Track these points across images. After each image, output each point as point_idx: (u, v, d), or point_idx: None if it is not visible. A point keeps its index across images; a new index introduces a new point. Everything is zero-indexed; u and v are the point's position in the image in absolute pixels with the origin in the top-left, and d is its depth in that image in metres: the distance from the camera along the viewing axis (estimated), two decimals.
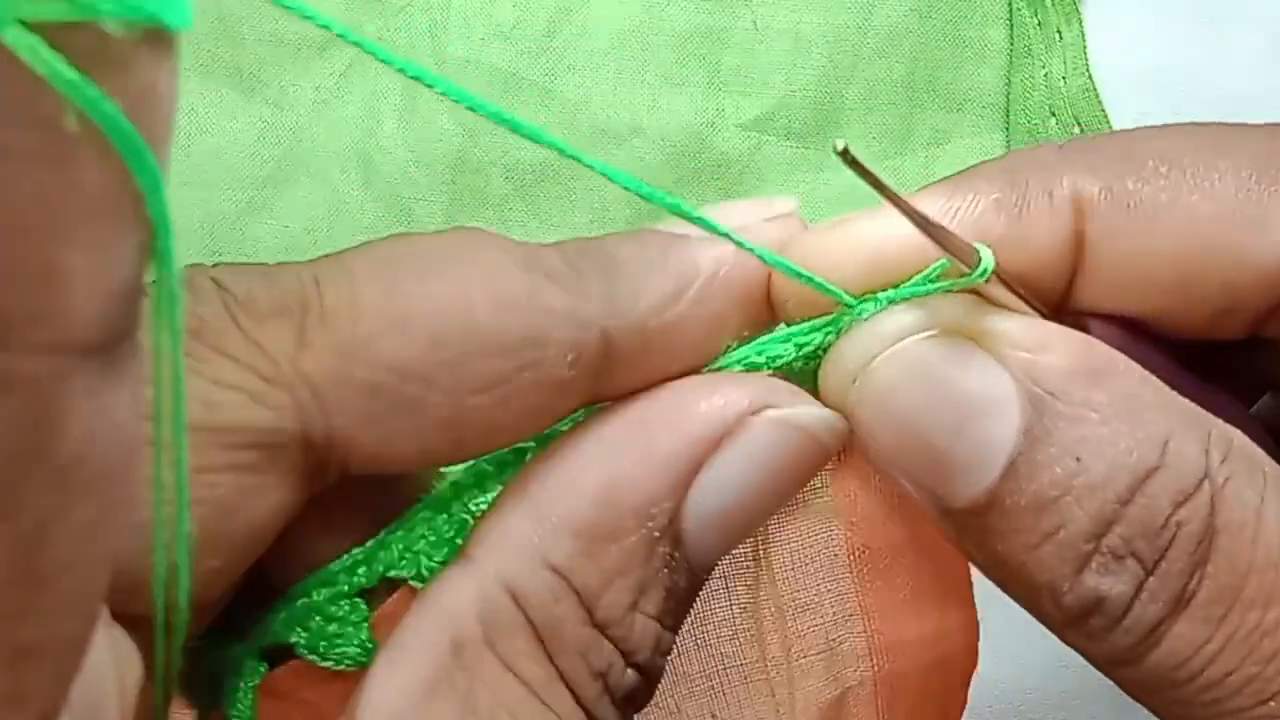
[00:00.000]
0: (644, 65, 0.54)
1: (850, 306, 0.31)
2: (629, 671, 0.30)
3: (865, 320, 0.31)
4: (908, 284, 0.31)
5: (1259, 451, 0.29)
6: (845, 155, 0.28)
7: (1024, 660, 0.55)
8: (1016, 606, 0.31)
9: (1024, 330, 0.30)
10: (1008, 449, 0.28)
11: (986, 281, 0.30)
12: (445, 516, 0.33)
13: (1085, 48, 0.55)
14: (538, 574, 0.29)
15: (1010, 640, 0.54)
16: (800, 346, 0.32)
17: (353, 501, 0.33)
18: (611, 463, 0.30)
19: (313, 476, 0.31)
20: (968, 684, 0.36)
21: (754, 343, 0.32)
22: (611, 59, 0.53)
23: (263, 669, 0.34)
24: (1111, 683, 0.30)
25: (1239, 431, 0.29)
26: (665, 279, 0.32)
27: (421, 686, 0.28)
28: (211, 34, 0.52)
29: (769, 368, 0.32)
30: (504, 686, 0.28)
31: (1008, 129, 0.56)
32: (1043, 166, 0.31)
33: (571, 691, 0.29)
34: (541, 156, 0.53)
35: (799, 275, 0.31)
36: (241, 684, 0.34)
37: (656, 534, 0.30)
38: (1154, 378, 0.30)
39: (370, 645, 0.33)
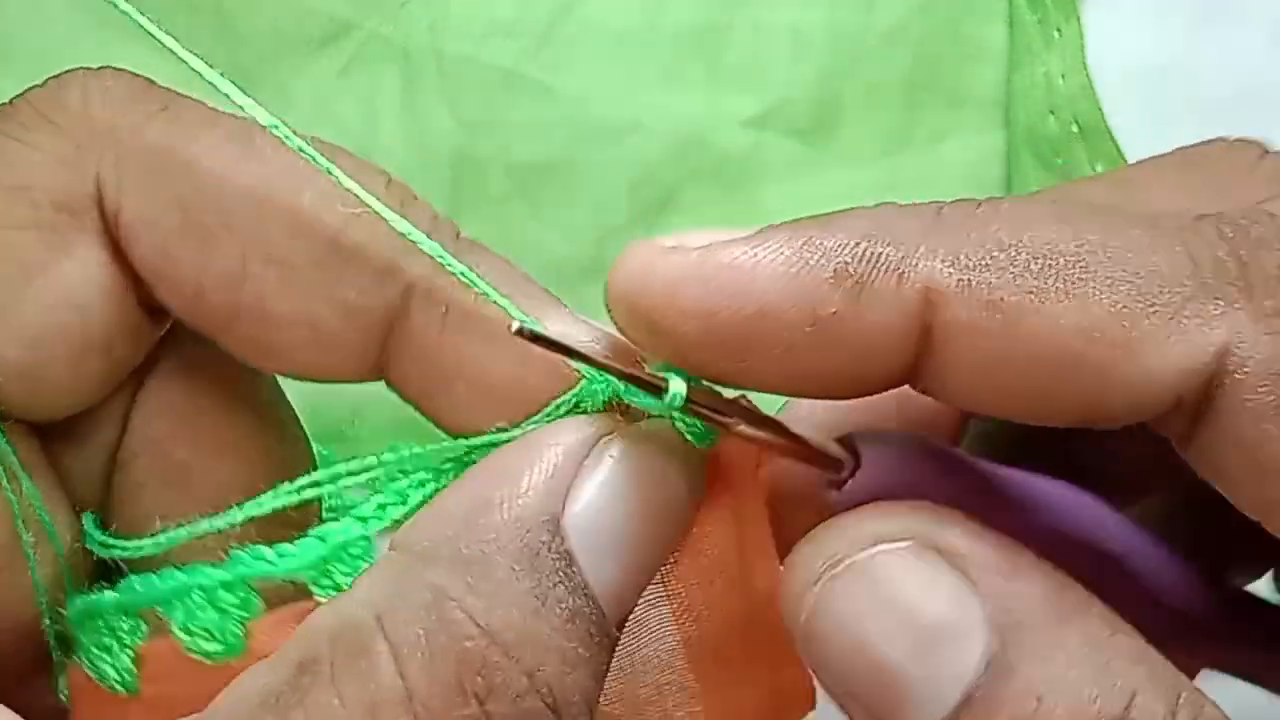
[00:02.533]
0: (644, 62, 0.54)
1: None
2: (531, 697, 0.27)
3: (834, 521, 0.29)
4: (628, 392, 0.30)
5: None
6: (522, 333, 0.27)
7: None
8: None
9: (998, 554, 0.27)
10: (968, 679, 0.26)
11: (680, 409, 0.28)
12: (225, 580, 0.31)
13: (1084, 46, 0.55)
14: (414, 591, 0.27)
15: None
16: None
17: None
18: (474, 491, 0.29)
19: (126, 268, 0.32)
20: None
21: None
22: (612, 56, 0.53)
23: (142, 631, 0.32)
24: None
25: (1211, 700, 0.27)
26: (526, 302, 0.32)
27: (254, 701, 0.26)
28: (211, 32, 0.52)
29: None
30: (326, 710, 0.26)
31: (1008, 127, 0.56)
32: (902, 240, 0.28)
33: (432, 714, 0.26)
34: (541, 155, 0.53)
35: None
36: (115, 643, 0.32)
37: (539, 547, 0.28)
38: (1130, 627, 0.27)
39: (129, 676, 0.31)
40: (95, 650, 0.32)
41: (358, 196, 0.31)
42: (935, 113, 0.55)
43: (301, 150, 0.30)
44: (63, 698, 0.33)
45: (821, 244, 0.28)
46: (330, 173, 0.30)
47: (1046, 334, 0.27)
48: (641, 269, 0.29)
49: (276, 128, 0.30)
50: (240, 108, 0.30)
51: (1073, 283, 0.27)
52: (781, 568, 0.30)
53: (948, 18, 0.55)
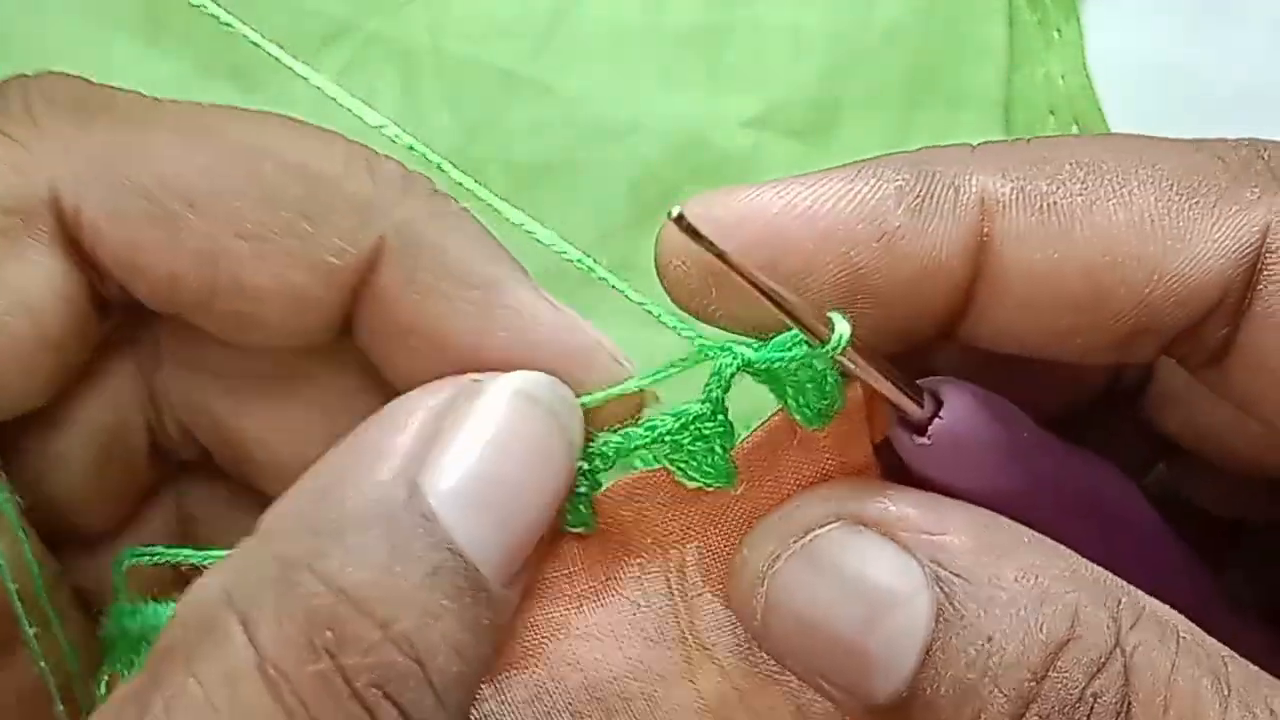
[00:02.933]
0: (644, 62, 0.54)
1: (702, 354, 0.30)
2: (387, 647, 0.27)
3: (764, 521, 0.30)
4: (764, 350, 0.30)
5: (1172, 615, 0.28)
6: (681, 222, 0.26)
7: None
8: None
9: (922, 512, 0.29)
10: (921, 637, 0.27)
11: (841, 353, 0.28)
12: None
13: (1084, 46, 0.55)
14: (261, 565, 0.27)
15: None
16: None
17: None
18: (328, 465, 0.29)
19: (90, 267, 0.32)
20: None
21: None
22: (612, 56, 0.53)
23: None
24: None
25: (1151, 598, 0.28)
26: (470, 262, 0.33)
27: (119, 699, 0.27)
28: (211, 33, 0.52)
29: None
30: (183, 689, 0.26)
31: (1007, 127, 0.56)
32: (954, 160, 0.30)
33: (284, 674, 0.26)
34: (541, 154, 0.53)
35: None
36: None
37: (396, 508, 0.28)
38: (1061, 547, 0.28)
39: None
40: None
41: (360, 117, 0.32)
42: (935, 113, 0.55)
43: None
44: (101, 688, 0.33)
45: (879, 170, 0.30)
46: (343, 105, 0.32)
47: (1100, 233, 0.29)
48: (705, 208, 0.29)
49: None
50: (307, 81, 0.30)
51: (1117, 186, 0.29)
52: (731, 578, 0.31)
53: (948, 18, 0.55)
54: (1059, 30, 0.55)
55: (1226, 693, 0.27)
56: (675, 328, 0.31)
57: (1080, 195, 0.29)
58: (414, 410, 0.29)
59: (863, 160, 0.30)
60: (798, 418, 0.30)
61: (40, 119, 0.32)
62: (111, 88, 0.33)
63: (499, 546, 0.29)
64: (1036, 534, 0.29)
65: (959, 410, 0.30)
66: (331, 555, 0.27)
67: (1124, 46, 0.55)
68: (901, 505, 0.29)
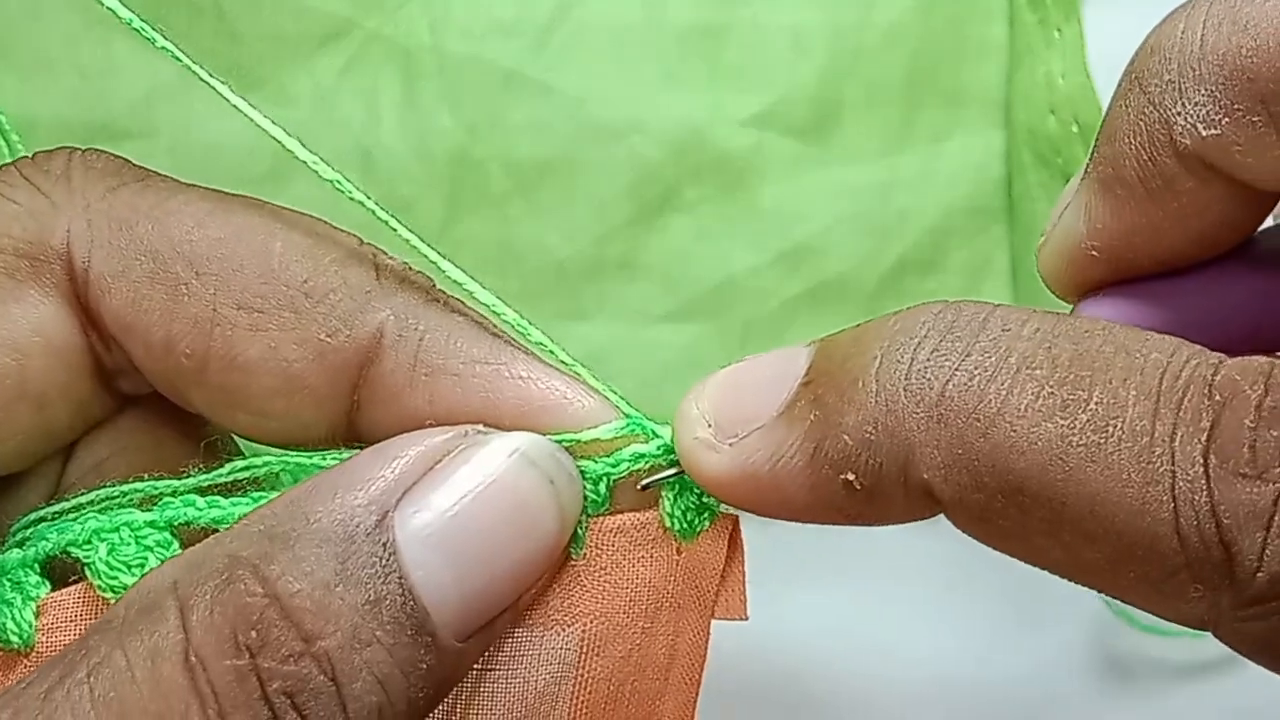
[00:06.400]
0: (644, 62, 0.54)
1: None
2: (305, 662, 0.27)
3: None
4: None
5: None
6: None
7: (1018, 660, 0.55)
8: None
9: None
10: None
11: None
12: (151, 520, 0.32)
13: (1084, 46, 0.55)
14: (214, 559, 0.28)
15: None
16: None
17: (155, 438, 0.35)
18: (316, 481, 0.29)
19: (86, 319, 0.33)
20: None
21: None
22: (612, 55, 0.53)
23: (45, 586, 0.32)
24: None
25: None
26: (470, 343, 0.33)
27: (49, 666, 0.27)
28: (210, 31, 0.52)
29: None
30: (109, 661, 0.27)
31: (1008, 126, 0.56)
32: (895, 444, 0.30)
33: (203, 662, 0.27)
34: (542, 154, 0.53)
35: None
36: (20, 596, 0.32)
37: (359, 532, 0.28)
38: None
39: (26, 628, 0.31)
40: None
41: (364, 205, 0.33)
42: (935, 112, 0.55)
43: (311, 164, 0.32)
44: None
45: (830, 453, 0.29)
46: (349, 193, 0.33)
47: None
48: (686, 457, 0.32)
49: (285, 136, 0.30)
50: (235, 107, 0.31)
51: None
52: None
53: (948, 17, 0.55)
54: (1059, 30, 0.55)
55: None
56: (606, 393, 0.33)
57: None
58: (410, 446, 0.30)
59: (820, 408, 0.30)
60: (667, 521, 0.33)
61: (73, 179, 0.33)
62: (149, 169, 0.34)
63: (458, 597, 0.29)
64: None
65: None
66: (277, 561, 0.28)
67: (1124, 46, 0.55)
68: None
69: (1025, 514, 0.27)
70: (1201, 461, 0.25)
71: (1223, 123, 0.29)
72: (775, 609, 0.52)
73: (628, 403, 0.33)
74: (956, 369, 0.28)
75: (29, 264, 0.32)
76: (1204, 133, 0.29)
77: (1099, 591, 0.28)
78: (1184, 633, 0.52)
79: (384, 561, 0.28)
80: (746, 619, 0.34)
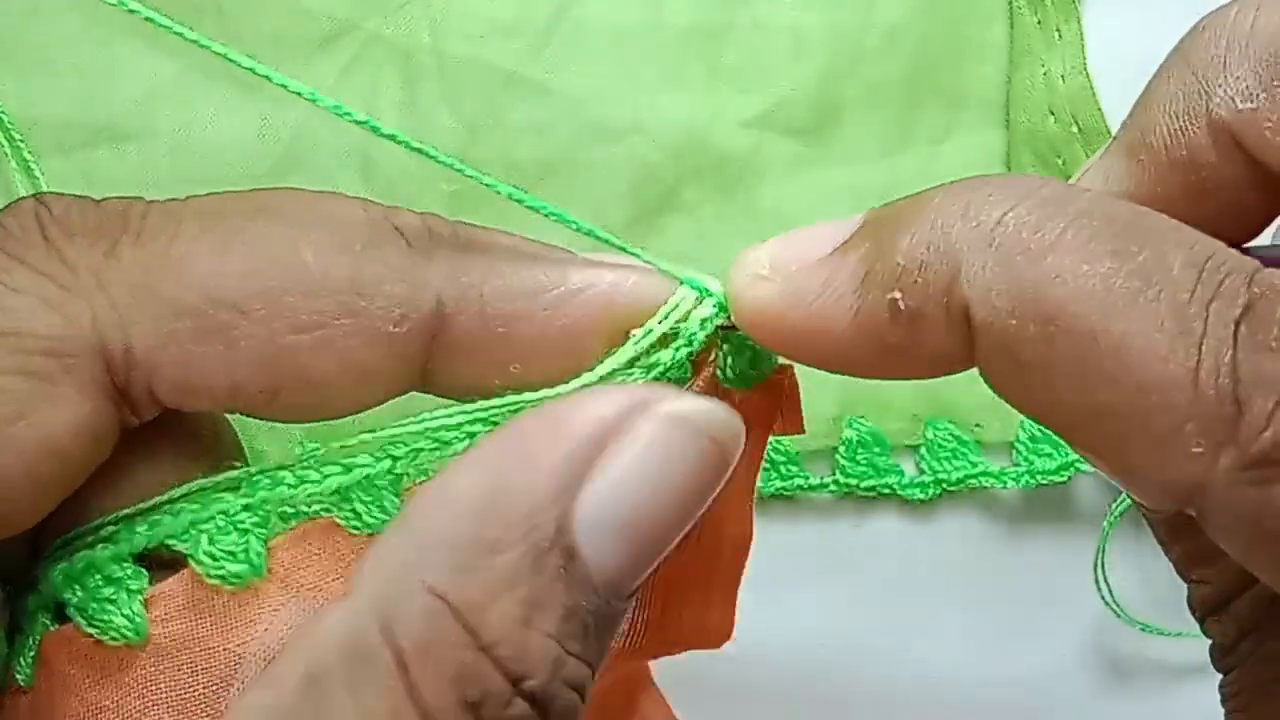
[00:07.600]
0: (644, 62, 0.54)
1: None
2: (517, 702, 0.27)
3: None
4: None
5: None
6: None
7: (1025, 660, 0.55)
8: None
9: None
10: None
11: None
12: (246, 503, 0.31)
13: (1084, 46, 0.55)
14: (412, 597, 0.27)
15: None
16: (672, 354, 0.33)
17: (182, 445, 0.33)
18: (488, 474, 0.28)
19: (121, 399, 0.31)
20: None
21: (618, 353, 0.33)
22: (611, 56, 0.53)
23: (47, 625, 0.31)
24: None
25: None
26: (523, 276, 0.32)
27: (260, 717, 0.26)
28: (211, 31, 0.52)
29: (645, 376, 0.33)
30: None
31: (1008, 126, 0.56)
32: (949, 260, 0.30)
33: None
34: (542, 154, 0.53)
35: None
36: (29, 640, 0.32)
37: (544, 544, 0.27)
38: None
39: (139, 620, 0.31)
40: (95, 605, 0.31)
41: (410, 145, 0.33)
42: (935, 113, 0.55)
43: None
44: (19, 679, 0.32)
45: (880, 274, 0.30)
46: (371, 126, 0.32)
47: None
48: (737, 294, 0.32)
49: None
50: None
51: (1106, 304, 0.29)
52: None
53: (948, 18, 0.55)
54: (1059, 30, 0.55)
55: None
56: (665, 271, 0.34)
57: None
58: (578, 422, 0.28)
59: (872, 233, 0.31)
60: (719, 375, 0.34)
61: (64, 251, 0.31)
62: (119, 199, 0.32)
63: (631, 575, 0.28)
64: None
65: None
66: (475, 606, 0.27)
67: (1124, 46, 0.55)
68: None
69: (1051, 346, 0.27)
70: (1233, 327, 0.26)
71: (1260, 97, 0.30)
72: (775, 609, 0.52)
73: (672, 271, 0.34)
74: (1016, 205, 0.28)
75: (59, 364, 0.30)
76: (1240, 105, 0.30)
77: (1092, 452, 0.29)
78: (1184, 633, 0.52)
79: (569, 572, 0.27)
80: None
